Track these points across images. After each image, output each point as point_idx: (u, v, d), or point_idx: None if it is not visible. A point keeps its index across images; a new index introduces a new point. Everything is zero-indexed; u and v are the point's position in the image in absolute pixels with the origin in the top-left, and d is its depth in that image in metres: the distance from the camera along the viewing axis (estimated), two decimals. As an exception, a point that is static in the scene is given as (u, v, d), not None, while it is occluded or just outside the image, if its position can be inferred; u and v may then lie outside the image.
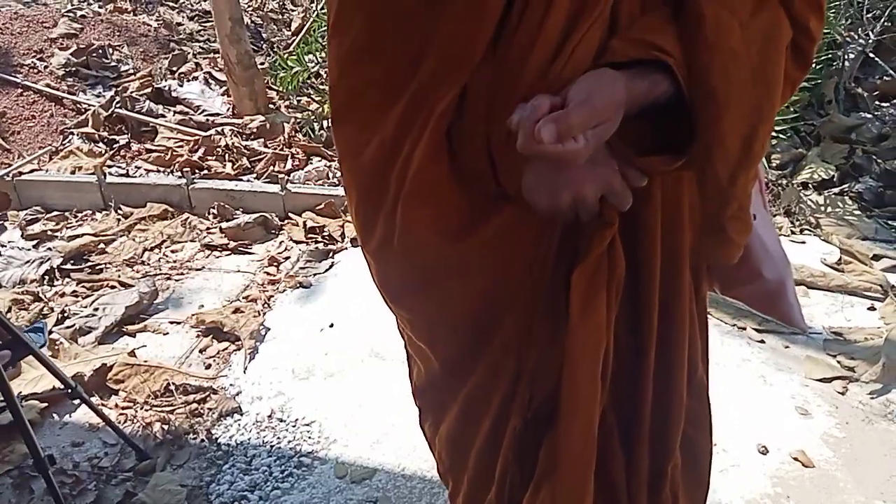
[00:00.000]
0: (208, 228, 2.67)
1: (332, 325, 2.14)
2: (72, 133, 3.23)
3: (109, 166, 3.05)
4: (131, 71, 3.70)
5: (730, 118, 0.67)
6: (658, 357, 0.80)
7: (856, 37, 3.13)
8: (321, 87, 3.50)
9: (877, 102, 3.19)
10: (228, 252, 2.55)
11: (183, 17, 4.35)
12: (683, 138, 0.69)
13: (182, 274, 2.42)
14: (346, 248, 2.54)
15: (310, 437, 1.73)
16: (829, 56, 3.09)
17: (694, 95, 0.67)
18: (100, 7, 4.14)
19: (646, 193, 0.73)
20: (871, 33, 3.10)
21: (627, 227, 0.74)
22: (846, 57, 3.16)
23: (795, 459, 1.61)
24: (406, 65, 0.68)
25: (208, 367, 1.99)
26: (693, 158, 0.69)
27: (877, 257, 2.35)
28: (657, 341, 0.80)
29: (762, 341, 2.00)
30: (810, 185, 2.72)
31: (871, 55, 3.18)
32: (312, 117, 3.32)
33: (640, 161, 0.70)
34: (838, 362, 1.90)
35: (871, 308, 2.14)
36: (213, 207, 2.72)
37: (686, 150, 0.69)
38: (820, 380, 1.85)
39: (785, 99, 0.77)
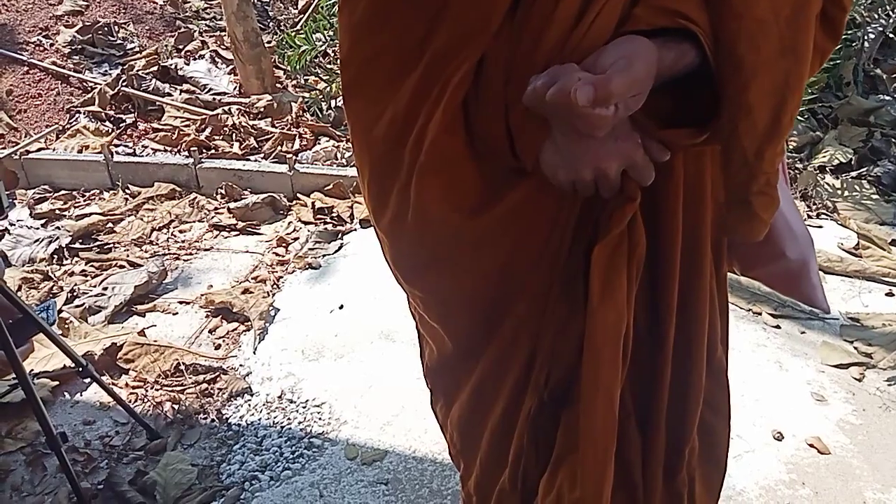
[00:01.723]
0: (216, 208, 2.66)
1: (341, 307, 2.13)
2: (78, 111, 3.22)
3: (116, 145, 3.04)
4: (137, 49, 3.67)
5: (757, 89, 0.64)
6: (677, 336, 0.78)
7: (876, 17, 3.05)
8: (329, 66, 3.46)
9: (896, 84, 3.12)
10: (237, 232, 2.54)
11: (190, -5, 4.30)
12: (708, 110, 0.66)
13: (190, 254, 2.42)
14: (356, 229, 2.52)
15: (320, 419, 1.72)
16: (849, 37, 3.02)
17: (720, 65, 0.64)
18: (106, -15, 4.10)
19: (668, 168, 0.70)
20: (891, 14, 3.01)
21: (648, 202, 0.71)
22: (865, 38, 3.08)
23: (811, 446, 1.59)
24: (419, 34, 0.66)
25: (218, 347, 1.99)
26: (718, 131, 0.66)
27: (895, 242, 2.31)
28: (676, 320, 0.77)
29: (778, 326, 1.97)
30: (828, 169, 2.67)
31: (892, 36, 3.11)
32: (320, 96, 3.28)
33: (663, 134, 0.67)
34: (855, 348, 1.87)
35: (889, 294, 2.11)
36: (221, 187, 2.70)
37: (711, 123, 0.66)
38: (836, 366, 1.82)
39: (814, 70, 0.74)
